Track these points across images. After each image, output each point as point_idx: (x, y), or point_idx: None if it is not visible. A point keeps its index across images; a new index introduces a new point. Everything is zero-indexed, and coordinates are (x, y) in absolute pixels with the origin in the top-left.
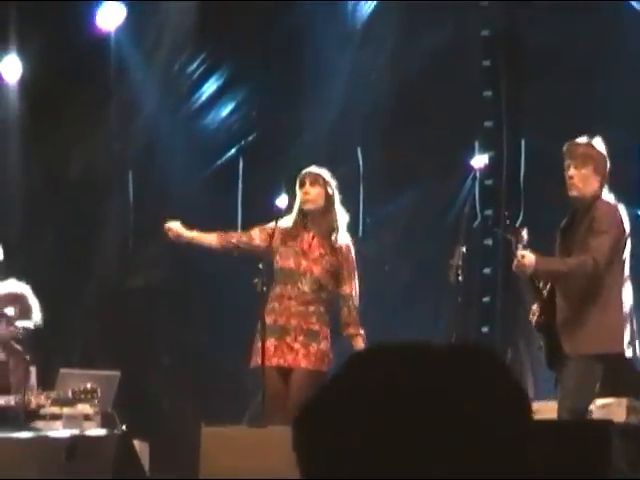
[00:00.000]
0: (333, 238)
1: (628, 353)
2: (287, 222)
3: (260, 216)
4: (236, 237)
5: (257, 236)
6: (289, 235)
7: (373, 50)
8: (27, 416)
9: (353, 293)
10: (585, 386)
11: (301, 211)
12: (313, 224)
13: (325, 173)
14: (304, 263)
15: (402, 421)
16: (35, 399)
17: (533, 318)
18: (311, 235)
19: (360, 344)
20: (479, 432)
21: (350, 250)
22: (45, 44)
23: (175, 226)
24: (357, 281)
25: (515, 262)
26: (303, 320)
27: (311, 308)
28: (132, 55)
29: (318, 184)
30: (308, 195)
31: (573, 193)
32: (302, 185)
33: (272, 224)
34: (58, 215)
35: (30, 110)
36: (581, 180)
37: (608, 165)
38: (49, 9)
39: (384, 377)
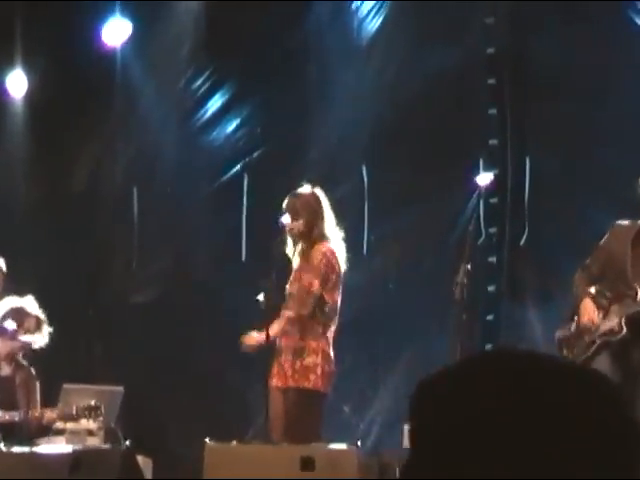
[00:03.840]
0: (308, 257)
1: None
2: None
3: (264, 233)
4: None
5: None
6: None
7: (378, 67)
8: (39, 431)
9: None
10: None
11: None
12: (298, 247)
13: (306, 200)
14: (288, 285)
15: (512, 427)
16: (45, 414)
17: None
18: (296, 255)
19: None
20: (585, 457)
21: (323, 255)
22: (51, 59)
23: (254, 339)
24: (316, 280)
25: None
26: (290, 338)
27: (297, 325)
28: (137, 71)
29: (298, 217)
30: (291, 231)
31: None
32: (290, 217)
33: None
34: (62, 230)
35: (35, 125)
36: None
37: None
38: (55, 24)
39: (504, 380)
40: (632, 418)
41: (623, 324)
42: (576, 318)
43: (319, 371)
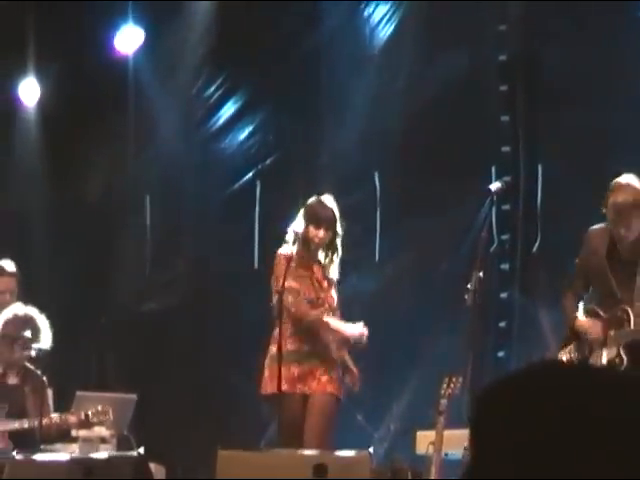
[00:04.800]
0: (328, 272)
1: None
2: (291, 249)
3: (277, 240)
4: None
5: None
6: (300, 263)
7: (390, 75)
8: (59, 437)
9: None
10: None
11: (307, 244)
12: (316, 257)
13: (336, 211)
14: (321, 294)
15: (576, 436)
16: (69, 419)
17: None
18: (317, 266)
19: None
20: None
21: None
22: (63, 67)
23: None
24: None
25: None
26: (327, 348)
27: (331, 335)
28: (150, 78)
29: (332, 229)
30: (323, 240)
31: (623, 242)
32: (317, 226)
33: (285, 257)
34: (75, 239)
35: (48, 133)
36: (635, 232)
37: None
38: (67, 32)
39: (566, 393)
40: None
41: (623, 354)
42: (574, 344)
43: (340, 382)
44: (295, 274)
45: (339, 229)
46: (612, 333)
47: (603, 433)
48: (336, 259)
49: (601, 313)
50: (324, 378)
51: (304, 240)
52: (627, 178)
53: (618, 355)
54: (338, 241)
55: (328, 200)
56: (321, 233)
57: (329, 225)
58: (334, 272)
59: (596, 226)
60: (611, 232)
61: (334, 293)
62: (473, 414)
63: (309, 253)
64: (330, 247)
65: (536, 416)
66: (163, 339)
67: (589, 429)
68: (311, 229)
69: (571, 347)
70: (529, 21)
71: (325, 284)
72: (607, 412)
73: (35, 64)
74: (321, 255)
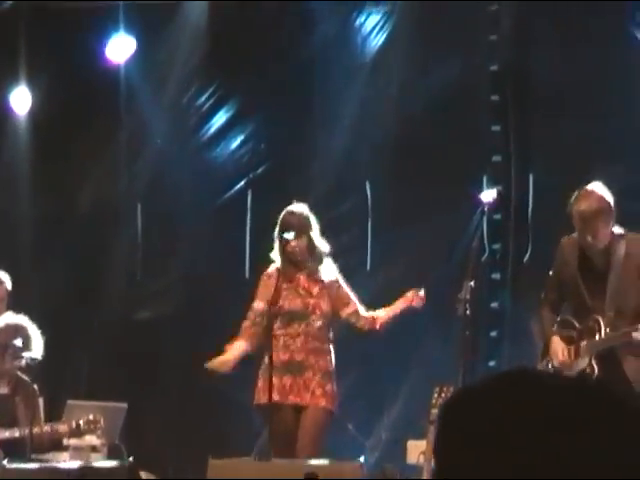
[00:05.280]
0: (319, 275)
1: None
2: (277, 264)
3: (268, 249)
4: (254, 326)
5: (262, 303)
6: (284, 277)
7: (382, 83)
8: (51, 446)
9: (358, 305)
10: None
11: (286, 255)
12: (301, 265)
13: (305, 217)
14: (311, 301)
15: (541, 444)
16: (59, 428)
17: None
18: (305, 273)
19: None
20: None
21: (339, 279)
22: (55, 76)
23: (219, 363)
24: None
25: None
26: (321, 358)
27: (325, 345)
28: (141, 87)
29: (302, 235)
30: (295, 249)
31: (592, 250)
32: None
33: (270, 274)
34: (67, 247)
35: (39, 142)
36: (602, 240)
37: (613, 202)
38: (59, 41)
39: (533, 399)
40: None
41: (594, 364)
42: (547, 358)
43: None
44: (280, 289)
45: (313, 231)
46: (584, 344)
47: (571, 445)
48: (324, 260)
49: (576, 324)
50: (318, 391)
51: (281, 252)
52: (591, 185)
53: (590, 365)
54: (317, 242)
55: (296, 207)
56: (293, 241)
57: (298, 230)
58: (327, 273)
59: (568, 237)
60: (579, 241)
61: (346, 288)
62: (438, 424)
63: (291, 264)
64: (312, 250)
65: (501, 426)
66: (154, 348)
67: (554, 440)
68: (281, 239)
69: (548, 358)
70: (520, 31)
71: (316, 289)
72: (574, 421)
73: (27, 73)
74: (310, 263)
